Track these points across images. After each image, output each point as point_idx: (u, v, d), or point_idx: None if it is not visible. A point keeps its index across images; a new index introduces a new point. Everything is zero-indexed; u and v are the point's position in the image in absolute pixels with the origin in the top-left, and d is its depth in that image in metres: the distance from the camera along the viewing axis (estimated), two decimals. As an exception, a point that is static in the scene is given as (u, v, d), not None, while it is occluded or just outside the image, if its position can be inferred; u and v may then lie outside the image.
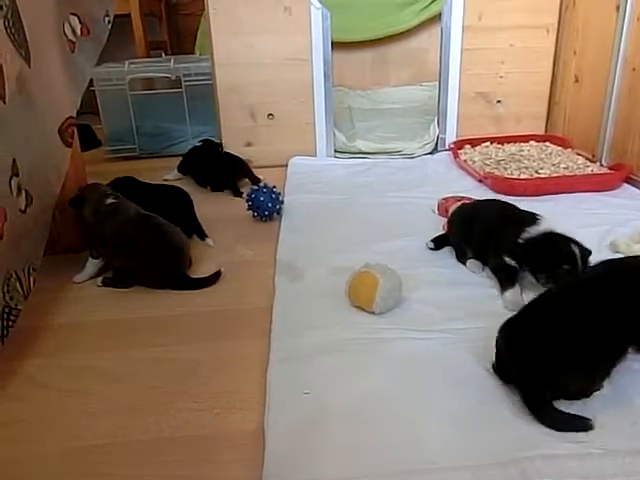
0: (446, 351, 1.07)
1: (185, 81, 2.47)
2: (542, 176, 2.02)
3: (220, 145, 2.26)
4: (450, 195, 1.82)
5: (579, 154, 2.25)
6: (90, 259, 1.40)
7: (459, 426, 0.89)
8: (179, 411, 0.96)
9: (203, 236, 1.62)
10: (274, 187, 1.77)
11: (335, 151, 2.45)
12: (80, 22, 1.43)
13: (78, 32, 1.42)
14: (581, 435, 0.85)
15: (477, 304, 1.24)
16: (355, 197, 1.97)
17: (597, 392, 0.92)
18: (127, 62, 2.50)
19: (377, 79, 3.58)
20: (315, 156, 2.42)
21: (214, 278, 1.39)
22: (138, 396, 1.01)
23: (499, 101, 2.47)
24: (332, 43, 2.35)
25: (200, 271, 1.44)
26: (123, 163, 2.53)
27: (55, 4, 1.33)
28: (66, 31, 1.38)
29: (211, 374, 1.06)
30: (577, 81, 2.34)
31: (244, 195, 1.84)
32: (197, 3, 3.19)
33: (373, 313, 1.20)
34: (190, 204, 1.69)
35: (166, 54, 3.06)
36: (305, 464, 0.83)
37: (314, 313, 1.23)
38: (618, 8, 2.03)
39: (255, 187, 1.78)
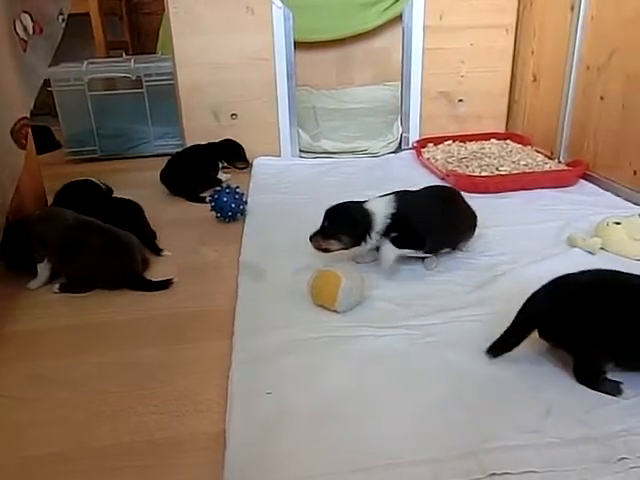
0: (408, 347, 1.08)
1: (146, 81, 2.43)
2: (502, 173, 2.06)
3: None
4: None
5: (538, 151, 2.30)
6: (38, 264, 1.36)
7: (420, 421, 0.90)
8: (139, 416, 0.95)
9: (157, 251, 1.55)
10: (237, 188, 1.76)
11: (300, 151, 2.45)
12: (32, 20, 1.39)
13: (30, 31, 1.38)
14: (537, 424, 0.87)
15: (439, 300, 1.25)
16: (320, 197, 1.95)
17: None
18: (86, 62, 2.44)
19: (342, 79, 3.60)
20: (280, 156, 2.41)
21: (166, 283, 1.37)
22: (96, 402, 0.99)
23: (461, 100, 2.51)
24: (295, 43, 2.35)
25: (162, 273, 1.42)
26: (84, 165, 2.48)
27: (6, 1, 1.30)
28: (17, 30, 1.35)
29: (172, 377, 1.04)
30: (535, 80, 2.40)
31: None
32: (158, 2, 3.13)
33: (336, 312, 1.20)
34: (142, 217, 1.62)
35: (127, 54, 3.00)
36: (267, 465, 0.83)
37: (277, 313, 1.22)
38: (573, 8, 2.08)
39: (218, 188, 1.76)
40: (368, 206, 1.33)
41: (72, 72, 2.38)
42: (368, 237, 1.31)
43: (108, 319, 1.24)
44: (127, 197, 1.68)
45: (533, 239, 1.55)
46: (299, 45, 3.24)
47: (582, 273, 1.00)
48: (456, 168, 2.14)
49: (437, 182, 2.07)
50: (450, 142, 2.46)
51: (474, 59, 2.45)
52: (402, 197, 1.36)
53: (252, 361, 1.06)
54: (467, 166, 2.16)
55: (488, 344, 1.04)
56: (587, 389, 0.95)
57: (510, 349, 1.02)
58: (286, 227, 1.67)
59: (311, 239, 1.34)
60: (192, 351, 1.13)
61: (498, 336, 1.02)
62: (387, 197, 1.36)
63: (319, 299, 1.22)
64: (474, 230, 1.49)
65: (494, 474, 0.78)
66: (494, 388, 0.97)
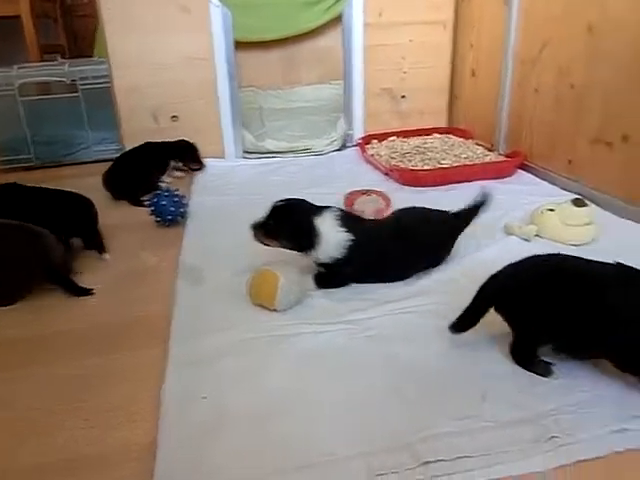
0: (347, 342, 1.08)
1: (81, 85, 2.35)
2: (444, 166, 2.09)
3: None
4: (357, 189, 1.84)
5: (479, 144, 2.34)
6: None
7: (356, 415, 0.89)
8: (67, 431, 0.90)
9: (101, 250, 1.51)
10: (177, 190, 1.72)
11: (244, 152, 2.42)
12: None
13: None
14: (473, 410, 0.88)
15: (378, 294, 1.25)
16: (264, 197, 1.87)
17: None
18: (15, 66, 2.34)
19: (288, 79, 3.57)
20: (223, 158, 2.37)
21: (87, 291, 1.32)
22: (23, 420, 0.94)
23: (403, 96, 2.53)
24: (238, 43, 2.32)
25: (100, 279, 1.38)
26: (19, 174, 2.36)
27: None
28: None
29: (105, 388, 1.00)
30: (474, 75, 2.45)
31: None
32: (94, 4, 3.05)
33: (275, 311, 1.19)
34: (93, 214, 1.56)
35: (63, 57, 2.90)
36: (203, 470, 0.80)
37: (215, 316, 1.20)
38: (506, 2, 2.13)
39: (157, 192, 1.72)
40: (318, 224, 1.22)
41: (1, 77, 2.28)
42: (309, 251, 1.25)
43: (35, 332, 1.19)
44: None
45: (473, 229, 1.57)
46: (242, 45, 3.21)
47: (548, 256, 1.02)
48: (399, 163, 2.16)
49: (381, 178, 2.09)
50: (394, 138, 2.48)
51: (414, 55, 2.48)
52: (358, 235, 1.23)
53: (189, 365, 1.03)
54: (410, 161, 2.18)
55: (432, 331, 1.07)
56: (520, 373, 0.97)
57: (472, 325, 1.03)
58: (228, 229, 1.64)
59: (253, 229, 1.26)
60: (128, 359, 1.09)
61: (458, 314, 1.04)
62: (344, 232, 1.22)
63: (258, 299, 1.20)
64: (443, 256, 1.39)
65: (427, 462, 0.78)
66: (431, 377, 0.97)
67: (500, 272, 1.02)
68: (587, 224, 1.46)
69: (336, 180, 2.09)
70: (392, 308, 1.18)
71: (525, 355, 0.99)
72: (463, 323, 1.03)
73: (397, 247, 1.28)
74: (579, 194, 1.74)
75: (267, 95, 3.43)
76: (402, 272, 1.31)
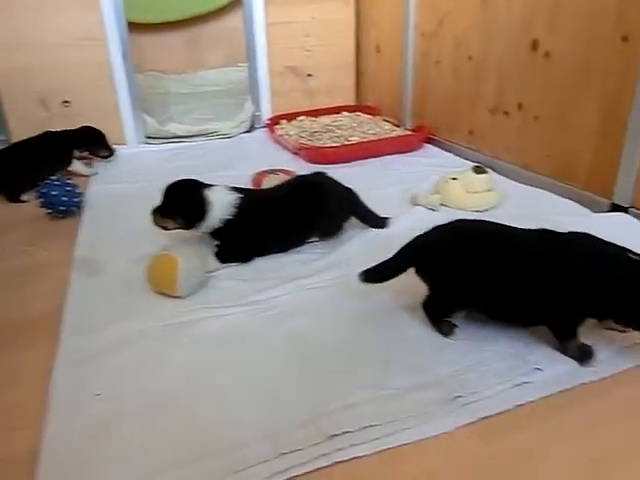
0: (252, 323, 1.04)
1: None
2: (351, 143, 2.08)
3: None
4: (264, 169, 1.79)
5: (387, 120, 2.36)
6: None
7: (261, 396, 0.85)
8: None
9: None
10: (68, 179, 1.60)
11: (147, 137, 2.30)
12: None
13: None
14: (378, 379, 0.87)
15: (287, 271, 1.22)
16: (167, 183, 1.85)
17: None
18: None
19: (193, 62, 3.45)
20: (125, 144, 2.24)
21: None
22: None
23: (310, 75, 2.50)
24: (137, 24, 2.19)
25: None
26: None
27: None
28: None
29: (-16, 394, 0.90)
30: (379, 51, 2.45)
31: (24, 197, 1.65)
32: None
33: (179, 297, 1.12)
34: None
35: None
36: (94, 472, 0.73)
37: (113, 307, 1.11)
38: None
39: (47, 181, 1.58)
40: (210, 196, 1.23)
41: None
42: (197, 225, 1.23)
43: None
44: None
45: (381, 202, 1.56)
46: (141, 27, 3.07)
47: (474, 222, 1.02)
48: (308, 142, 2.13)
49: (290, 158, 2.05)
50: (303, 117, 2.44)
51: (318, 33, 2.45)
52: (245, 201, 1.24)
53: (82, 362, 0.95)
54: (319, 139, 2.16)
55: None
56: (425, 338, 0.97)
57: (383, 279, 1.02)
58: (127, 217, 1.54)
59: (152, 213, 1.25)
60: (9, 364, 0.98)
61: (374, 265, 1.02)
62: (231, 196, 1.24)
63: (158, 286, 1.13)
64: (340, 223, 1.37)
65: (333, 435, 0.75)
66: (337, 350, 0.95)
67: (426, 233, 1.01)
68: (488, 190, 1.49)
69: (245, 162, 2.02)
70: (298, 285, 1.15)
71: (436, 313, 0.99)
72: (375, 275, 1.01)
73: (287, 210, 1.28)
74: (481, 163, 1.79)
75: (172, 79, 3.29)
76: (296, 238, 1.31)
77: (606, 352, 0.91)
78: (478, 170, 1.50)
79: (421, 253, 1.00)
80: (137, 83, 2.27)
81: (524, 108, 1.67)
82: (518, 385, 0.84)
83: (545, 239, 0.93)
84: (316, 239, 1.35)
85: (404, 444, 0.75)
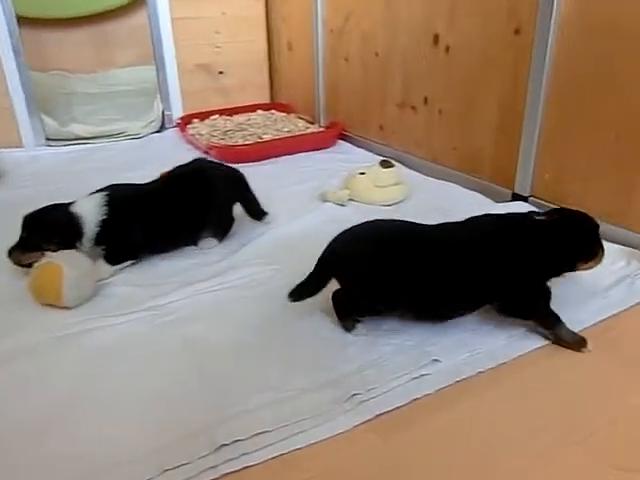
0: (146, 331, 0.97)
1: None
2: (262, 140, 2.04)
3: None
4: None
5: (301, 118, 2.33)
6: None
7: (148, 409, 0.79)
8: None
9: None
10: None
11: (47, 139, 2.16)
12: None
13: None
14: (277, 381, 0.83)
15: (187, 275, 1.16)
16: (68, 186, 1.71)
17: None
18: None
19: (102, 61, 3.29)
20: (22, 146, 2.09)
21: None
22: None
23: (221, 72, 2.43)
24: (36, 20, 2.04)
25: None
26: None
27: None
28: None
29: None
30: (290, 48, 2.42)
31: None
32: None
33: (67, 307, 1.04)
34: None
35: None
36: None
37: (-8, 323, 1.02)
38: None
39: None
40: (74, 209, 1.14)
41: None
42: (79, 244, 1.13)
43: None
44: None
45: (291, 200, 1.54)
46: (46, 23, 2.89)
47: (381, 223, 0.98)
48: (220, 141, 2.07)
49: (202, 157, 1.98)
50: (216, 116, 2.37)
51: (228, 29, 2.39)
52: (114, 196, 1.16)
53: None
54: (231, 138, 2.10)
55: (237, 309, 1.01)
56: (327, 337, 0.94)
57: (310, 294, 0.97)
58: (13, 226, 1.42)
59: (10, 254, 1.12)
60: None
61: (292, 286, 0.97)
62: (97, 197, 1.16)
63: (42, 297, 1.04)
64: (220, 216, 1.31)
65: (224, 445, 0.71)
66: (235, 355, 0.91)
67: (339, 243, 0.95)
68: (395, 184, 1.49)
69: (153, 163, 1.92)
70: (198, 288, 1.09)
71: (347, 310, 0.95)
72: (300, 293, 0.97)
73: (166, 202, 1.22)
74: (393, 158, 1.80)
75: (80, 79, 3.13)
76: (185, 231, 1.26)
77: (502, 338, 0.92)
78: (385, 164, 1.50)
79: (337, 266, 0.96)
80: (35, 82, 2.13)
81: (429, 102, 1.69)
82: (416, 378, 0.83)
83: (455, 227, 0.96)
84: (211, 234, 1.28)
85: (298, 448, 0.72)
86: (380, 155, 1.90)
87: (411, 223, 0.98)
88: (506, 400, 0.80)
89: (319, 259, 0.97)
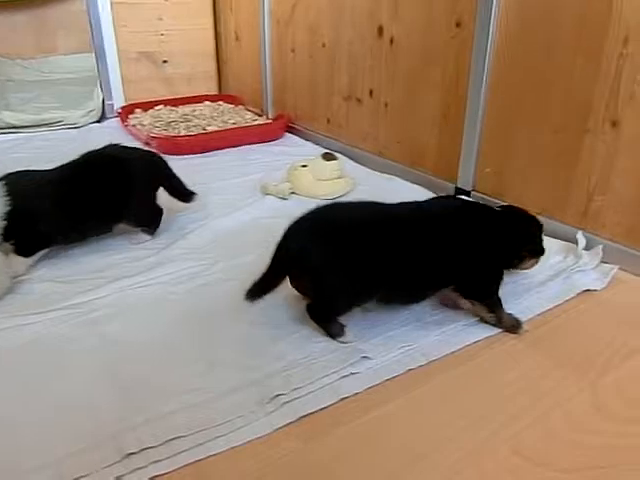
0: (63, 330, 0.91)
1: None
2: (206, 132, 1.98)
3: None
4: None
5: (249, 110, 2.28)
6: None
7: (52, 416, 0.73)
8: None
9: None
10: None
11: (-25, 128, 2.03)
12: None
13: None
14: (198, 382, 0.79)
15: (117, 270, 1.10)
16: None
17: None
18: None
19: (42, 47, 3.15)
20: (-53, 135, 1.96)
21: None
22: None
23: (165, 61, 2.35)
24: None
25: None
26: None
27: None
28: None
29: None
30: (238, 38, 2.36)
31: None
32: None
33: (-23, 306, 0.96)
34: None
35: None
36: None
37: None
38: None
39: None
40: None
41: None
42: None
43: None
44: None
45: (231, 192, 1.50)
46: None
47: (330, 208, 0.93)
48: (163, 132, 1.99)
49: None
50: (161, 107, 2.29)
51: (173, 16, 2.31)
52: (15, 185, 1.06)
53: None
54: (174, 129, 2.03)
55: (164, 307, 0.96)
56: (256, 335, 0.90)
57: (265, 292, 0.90)
58: None
59: None
60: None
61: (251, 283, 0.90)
62: None
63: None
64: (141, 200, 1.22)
65: (131, 454, 0.66)
66: (158, 355, 0.85)
67: (285, 238, 0.89)
68: (338, 178, 1.46)
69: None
70: (125, 285, 1.03)
71: (324, 312, 0.89)
72: (257, 290, 0.90)
73: (73, 191, 1.12)
74: (338, 151, 1.77)
75: (17, 65, 2.98)
76: (98, 219, 1.16)
77: (434, 335, 0.90)
78: (327, 157, 1.47)
79: (290, 265, 0.89)
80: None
81: (375, 95, 1.67)
82: (345, 377, 0.80)
83: (409, 208, 0.96)
84: (133, 224, 1.20)
85: (214, 454, 0.67)
86: (328, 148, 1.86)
87: (370, 203, 0.93)
88: (436, 398, 0.78)
89: (274, 256, 0.89)
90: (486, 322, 0.93)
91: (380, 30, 1.59)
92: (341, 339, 0.87)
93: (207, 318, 0.95)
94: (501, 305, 0.93)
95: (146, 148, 1.33)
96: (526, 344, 0.89)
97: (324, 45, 1.84)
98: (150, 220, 1.23)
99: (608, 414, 0.75)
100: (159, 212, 1.25)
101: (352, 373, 0.81)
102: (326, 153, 1.49)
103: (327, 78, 1.86)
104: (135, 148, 1.28)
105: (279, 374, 0.80)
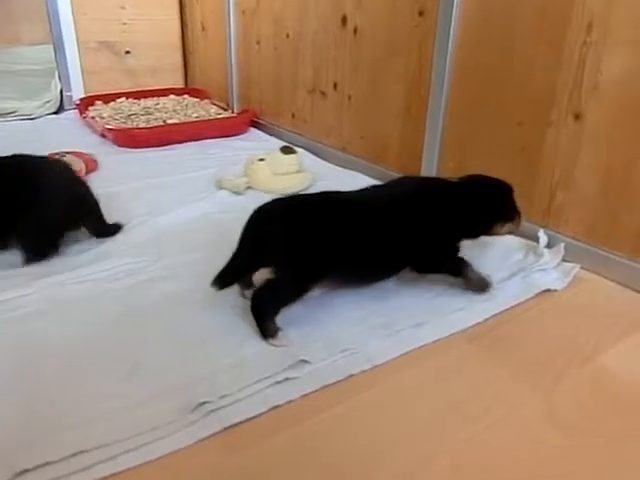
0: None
1: None
2: (164, 124, 1.90)
3: None
4: (54, 152, 1.55)
5: (215, 104, 2.20)
6: None
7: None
8: None
9: None
10: None
11: None
12: None
13: None
14: (119, 387, 0.71)
15: (44, 267, 1.01)
16: None
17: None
18: None
19: (5, 37, 3.05)
20: None
21: None
22: None
23: (128, 52, 2.26)
24: None
25: None
26: None
27: None
28: None
29: None
30: (204, 29, 2.28)
31: None
32: None
33: None
34: None
35: None
36: None
37: None
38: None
39: None
40: None
41: None
42: None
43: None
44: None
45: (185, 187, 1.42)
46: None
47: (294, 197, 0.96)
48: (122, 124, 1.91)
49: (98, 141, 1.82)
50: (123, 99, 2.20)
51: (136, 4, 2.22)
52: None
53: None
54: (134, 122, 1.95)
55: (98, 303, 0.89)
56: (187, 335, 0.83)
57: (236, 280, 0.87)
58: None
59: None
60: None
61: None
62: None
63: None
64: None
65: (26, 471, 0.58)
66: (73, 358, 0.77)
67: (251, 218, 0.86)
68: (296, 172, 1.40)
69: (44, 145, 1.73)
70: (55, 281, 0.95)
71: (269, 304, 0.82)
72: (225, 277, 0.85)
73: None
74: (303, 147, 1.71)
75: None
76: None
77: (378, 338, 0.83)
78: (286, 150, 1.40)
79: (254, 250, 0.85)
80: None
81: (339, 88, 1.61)
82: (279, 382, 0.73)
83: (378, 189, 1.00)
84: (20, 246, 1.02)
85: (121, 471, 0.60)
86: (292, 144, 1.80)
87: (335, 191, 0.95)
88: (377, 407, 0.72)
89: (241, 236, 0.85)
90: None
91: (344, 20, 1.52)
92: (274, 342, 0.80)
93: (140, 317, 0.87)
94: (465, 265, 0.94)
95: (77, 176, 1.15)
96: (479, 348, 0.83)
97: (288, 36, 1.77)
98: (37, 249, 1.02)
99: (560, 424, 0.69)
100: (54, 244, 1.05)
101: (287, 379, 0.74)
102: (284, 146, 1.42)
103: (292, 71, 1.79)
104: (51, 163, 1.13)
105: (206, 379, 0.73)
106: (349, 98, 1.58)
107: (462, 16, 1.20)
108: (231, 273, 0.86)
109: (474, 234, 0.98)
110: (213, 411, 0.68)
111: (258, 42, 1.93)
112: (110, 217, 1.18)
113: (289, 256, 0.83)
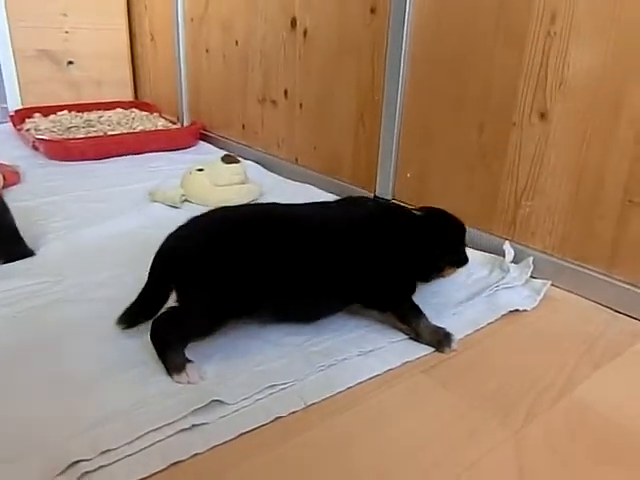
0: None
1: None
2: (102, 135, 1.76)
3: None
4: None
5: (164, 118, 2.06)
6: None
7: None
8: None
9: None
10: None
11: None
12: None
13: None
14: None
15: None
16: None
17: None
18: None
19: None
20: None
21: None
22: None
23: (71, 62, 2.11)
24: None
25: None
26: None
27: None
28: None
29: None
30: (153, 39, 2.16)
31: None
32: None
33: None
34: None
35: None
36: None
37: None
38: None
39: None
40: None
41: None
42: None
43: None
44: None
45: (115, 201, 1.27)
46: None
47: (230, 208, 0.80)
48: (58, 137, 1.75)
49: (28, 154, 1.66)
50: (65, 112, 2.05)
51: (79, 12, 2.09)
52: None
53: None
54: (74, 134, 1.79)
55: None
56: (66, 373, 0.67)
57: (146, 316, 0.71)
58: None
59: None
60: None
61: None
62: None
63: None
64: None
65: None
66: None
67: (170, 239, 0.73)
68: (240, 183, 1.26)
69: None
70: None
71: (177, 334, 0.68)
72: (133, 314, 0.72)
73: None
74: (253, 160, 1.58)
75: None
76: None
77: (311, 372, 0.69)
78: (228, 159, 1.27)
79: (166, 275, 0.72)
80: None
81: (290, 96, 1.49)
82: (185, 431, 0.58)
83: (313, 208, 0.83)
84: None
85: None
86: (242, 157, 1.67)
87: (268, 204, 0.83)
88: (309, 458, 0.57)
89: (152, 267, 0.72)
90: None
91: (293, 22, 1.42)
92: (179, 378, 0.65)
93: (24, 350, 0.71)
94: (418, 315, 0.77)
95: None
96: (436, 380, 0.70)
97: (237, 43, 1.66)
98: None
99: (531, 476, 0.56)
100: None
101: (194, 425, 0.59)
102: (226, 155, 1.29)
103: (241, 79, 1.67)
104: None
105: (87, 431, 0.57)
106: (300, 106, 1.46)
107: (416, 11, 1.09)
108: (141, 308, 0.72)
109: (425, 277, 0.84)
110: (89, 473, 0.52)
111: (207, 50, 1.81)
112: (22, 233, 1.02)
113: (197, 278, 0.69)
